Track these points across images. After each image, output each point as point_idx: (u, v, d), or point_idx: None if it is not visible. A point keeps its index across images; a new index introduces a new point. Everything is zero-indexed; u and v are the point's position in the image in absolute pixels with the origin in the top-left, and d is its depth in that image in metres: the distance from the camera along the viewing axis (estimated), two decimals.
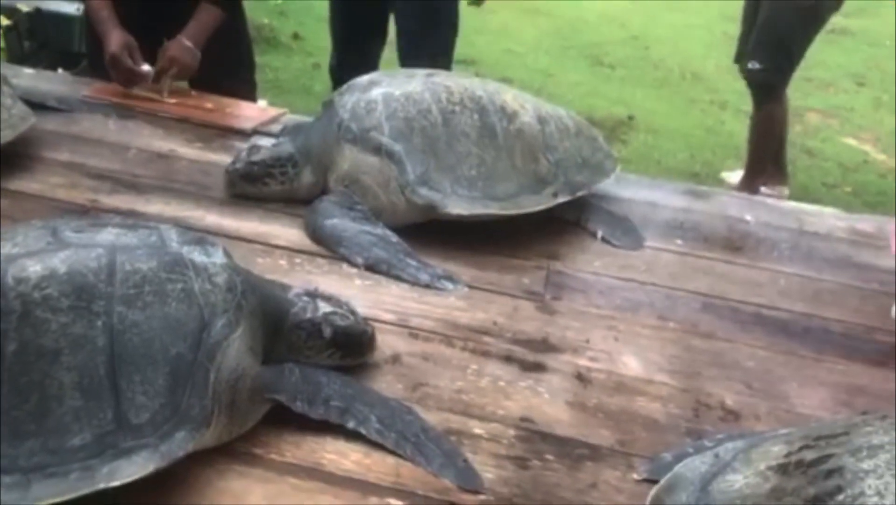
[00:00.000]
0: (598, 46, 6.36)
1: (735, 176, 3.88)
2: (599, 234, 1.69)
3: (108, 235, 1.01)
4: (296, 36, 5.46)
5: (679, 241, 1.72)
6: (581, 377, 1.24)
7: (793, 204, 1.98)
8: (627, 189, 1.90)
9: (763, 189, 3.67)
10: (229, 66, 2.36)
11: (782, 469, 0.84)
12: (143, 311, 0.95)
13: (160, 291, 0.97)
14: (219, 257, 1.06)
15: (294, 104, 4.22)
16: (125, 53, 2.04)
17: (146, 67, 2.07)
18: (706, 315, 1.47)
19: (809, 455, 0.83)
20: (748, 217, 1.87)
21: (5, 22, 3.84)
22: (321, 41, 5.34)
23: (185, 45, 2.14)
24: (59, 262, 0.94)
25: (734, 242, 1.75)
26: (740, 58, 3.67)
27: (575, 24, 6.91)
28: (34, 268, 0.93)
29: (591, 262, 1.60)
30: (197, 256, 1.03)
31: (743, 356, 1.36)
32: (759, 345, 1.39)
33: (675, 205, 1.89)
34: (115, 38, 2.06)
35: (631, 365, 1.29)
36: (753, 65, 3.51)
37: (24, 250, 0.96)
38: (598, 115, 4.72)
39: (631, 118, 4.90)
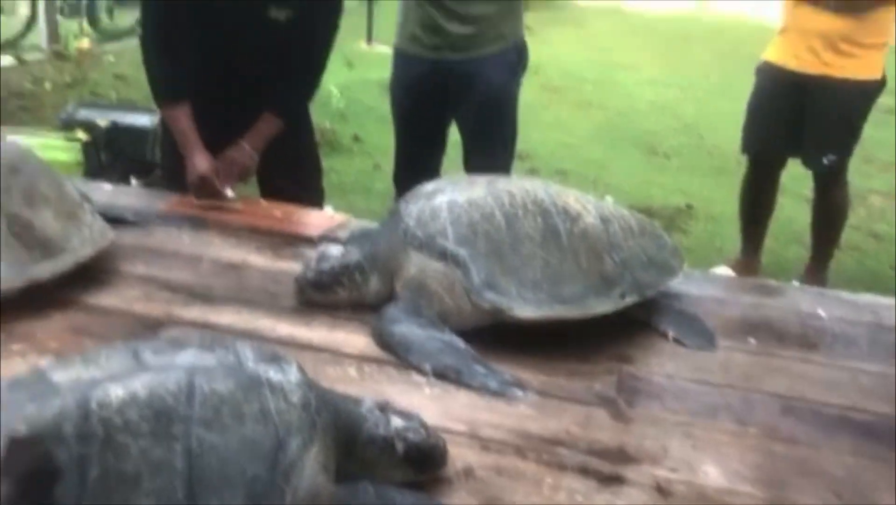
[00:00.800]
0: (652, 136, 6.41)
1: (721, 270, 3.70)
2: (670, 334, 1.66)
3: (187, 357, 1.02)
4: (356, 138, 5.63)
5: (752, 340, 1.68)
6: (661, 489, 1.20)
7: (867, 297, 1.92)
8: (695, 286, 1.88)
9: None
10: (298, 173, 2.44)
11: None
12: (221, 433, 0.95)
13: (237, 412, 0.97)
14: (293, 375, 1.07)
15: (356, 204, 4.32)
16: (214, 177, 2.14)
17: (230, 192, 2.16)
18: (786, 418, 1.42)
19: None
20: (821, 312, 1.82)
21: (84, 136, 4.04)
22: (380, 142, 5.51)
23: (245, 149, 2.24)
24: (140, 385, 0.96)
25: (809, 339, 1.71)
26: (775, 147, 3.62)
27: (627, 114, 6.99)
28: (116, 392, 0.95)
29: (664, 364, 1.57)
30: (272, 374, 1.04)
31: (829, 463, 1.30)
32: (845, 450, 1.33)
33: (744, 301, 1.85)
34: (203, 160, 2.16)
35: (712, 475, 1.25)
36: (826, 158, 3.46)
37: (106, 374, 0.98)
38: (655, 205, 4.72)
39: (689, 207, 4.88)
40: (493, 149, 2.85)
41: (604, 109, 7.09)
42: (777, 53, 3.55)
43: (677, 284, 1.78)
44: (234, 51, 2.22)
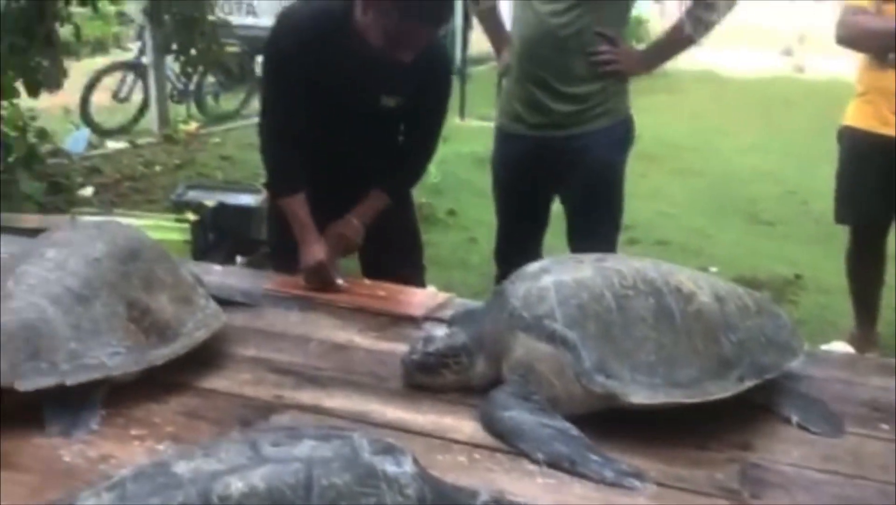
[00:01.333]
0: (754, 203, 6.25)
1: (837, 345, 3.51)
2: (794, 419, 1.57)
3: (304, 448, 1.02)
4: (451, 212, 5.69)
5: (884, 426, 1.58)
6: None
7: None
8: (817, 367, 1.78)
9: None
10: (401, 249, 2.46)
11: None
12: None
13: None
14: (408, 466, 1.05)
15: (453, 278, 4.34)
16: (331, 266, 2.19)
17: (341, 281, 2.20)
18: None
19: None
20: None
21: (193, 217, 4.21)
22: (476, 215, 5.55)
23: (353, 223, 2.28)
24: (260, 478, 0.96)
25: None
26: (872, 214, 3.46)
27: (727, 181, 6.85)
28: (236, 485, 0.95)
29: (789, 452, 1.48)
30: (388, 466, 1.03)
31: None
32: None
33: (873, 383, 1.75)
34: (320, 250, 2.20)
35: None
36: None
37: (226, 466, 0.98)
38: (761, 276, 4.57)
39: (798, 277, 4.70)
40: (599, 226, 2.80)
41: (703, 177, 6.97)
42: (859, 118, 3.44)
43: (798, 365, 1.69)
44: (344, 136, 2.29)
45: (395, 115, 2.30)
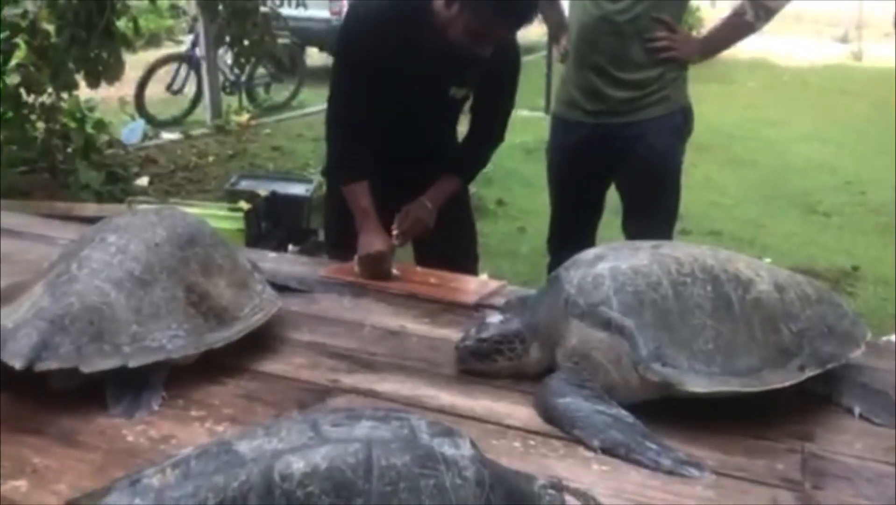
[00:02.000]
0: (810, 194, 6.12)
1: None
2: (857, 410, 1.54)
3: (364, 429, 1.03)
4: (500, 202, 5.67)
5: None
6: None
7: None
8: (880, 358, 1.74)
9: None
10: (455, 240, 2.47)
11: None
12: None
13: (414, 487, 0.97)
14: (467, 449, 1.05)
15: (502, 267, 4.33)
16: (390, 256, 2.21)
17: (395, 271, 2.21)
18: None
19: None
20: None
21: (246, 206, 4.27)
22: (525, 205, 5.54)
23: (427, 207, 2.31)
24: (321, 458, 0.97)
25: None
26: None
27: (781, 172, 6.72)
28: (297, 464, 0.96)
29: (852, 443, 1.45)
30: (447, 448, 1.03)
31: None
32: None
33: None
34: (380, 239, 2.22)
35: None
36: None
37: (287, 446, 0.99)
38: (818, 267, 4.48)
39: (856, 269, 4.60)
40: (654, 215, 2.77)
41: (756, 167, 6.85)
42: None
43: (860, 355, 1.65)
44: (410, 126, 2.30)
45: (461, 104, 2.33)
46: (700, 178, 6.18)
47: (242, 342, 1.68)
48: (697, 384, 1.46)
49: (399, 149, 2.33)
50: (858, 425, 1.51)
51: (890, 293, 4.23)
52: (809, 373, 1.53)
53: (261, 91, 8.90)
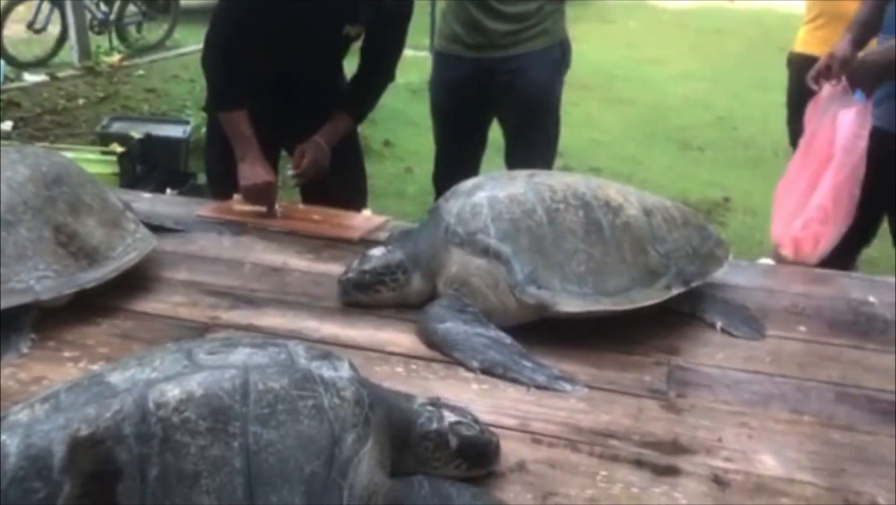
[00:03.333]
0: (685, 130, 6.35)
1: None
2: (718, 325, 1.64)
3: (240, 355, 1.03)
4: (387, 143, 5.64)
5: (802, 329, 1.66)
6: (718, 480, 1.19)
7: None
8: (741, 276, 1.85)
9: None
10: (346, 177, 2.44)
11: None
12: (277, 429, 0.95)
13: (292, 408, 0.97)
14: (345, 371, 1.06)
15: (389, 208, 4.31)
16: (275, 187, 2.18)
17: (278, 208, 2.19)
18: (842, 406, 1.39)
19: None
20: (871, 298, 1.79)
21: (119, 149, 4.09)
22: (411, 145, 5.52)
23: (323, 147, 2.28)
24: (196, 384, 0.96)
25: (860, 327, 1.68)
26: None
27: (658, 109, 6.93)
28: (173, 392, 0.95)
29: (713, 354, 1.55)
30: (325, 371, 1.04)
31: (888, 450, 1.27)
32: None
33: (793, 290, 1.83)
34: (267, 169, 2.18)
35: (769, 464, 1.22)
36: None
37: (161, 375, 0.98)
38: (692, 199, 4.67)
39: (727, 200, 4.83)
40: (535, 147, 2.83)
41: (634, 105, 7.04)
42: (810, 43, 3.48)
43: (723, 274, 1.75)
44: (300, 61, 2.25)
45: (351, 42, 2.31)
46: (581, 116, 6.32)
47: (116, 282, 1.64)
48: (571, 305, 1.52)
49: (285, 84, 2.28)
50: (720, 338, 1.61)
51: (758, 222, 4.46)
52: (675, 291, 1.61)
53: (132, 30, 8.46)
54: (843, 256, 2.46)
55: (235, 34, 2.16)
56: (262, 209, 2.17)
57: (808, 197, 2.41)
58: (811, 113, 2.50)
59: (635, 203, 1.68)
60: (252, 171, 2.16)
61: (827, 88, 2.45)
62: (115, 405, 0.94)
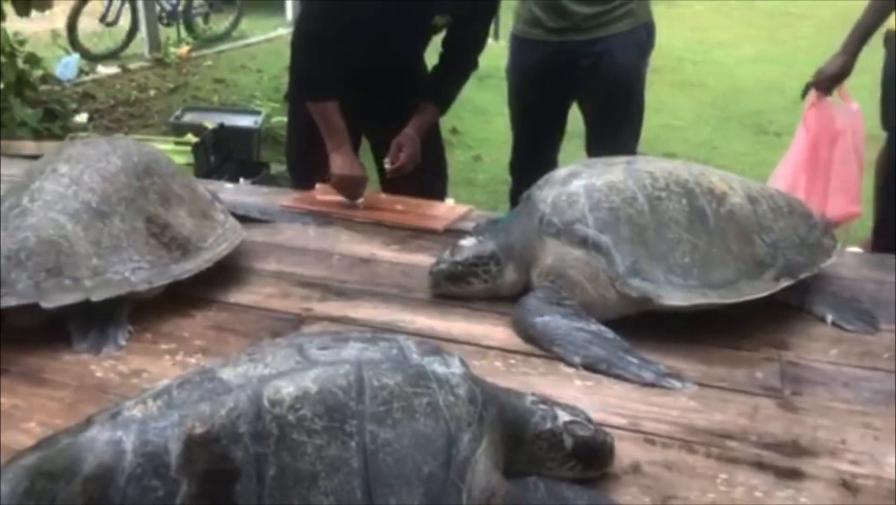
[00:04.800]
0: (760, 115, 6.16)
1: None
2: (829, 318, 1.56)
3: (352, 351, 1.00)
4: (454, 130, 5.58)
5: None
6: (847, 484, 1.12)
7: None
8: (849, 267, 1.76)
9: None
10: (428, 164, 2.41)
11: None
12: (394, 428, 0.92)
13: (408, 406, 0.94)
14: (457, 367, 1.03)
15: (460, 196, 4.27)
16: (367, 181, 2.18)
17: (361, 199, 2.18)
18: None
19: None
20: None
21: (194, 139, 4.13)
22: (479, 133, 5.47)
23: (417, 140, 2.28)
24: (310, 381, 0.93)
25: None
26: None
27: (732, 93, 6.74)
28: (287, 389, 0.92)
29: (826, 350, 1.47)
30: (437, 366, 1.00)
31: None
32: None
33: None
34: (359, 163, 2.20)
35: None
36: None
37: (275, 371, 0.96)
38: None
39: None
40: (619, 134, 2.73)
41: (706, 89, 6.86)
42: None
43: (830, 265, 1.67)
44: (387, 50, 2.22)
45: (436, 32, 2.29)
46: (652, 100, 6.08)
47: (208, 274, 1.63)
48: (675, 297, 1.46)
49: (371, 73, 2.26)
50: (831, 332, 1.53)
51: None
52: (784, 283, 1.54)
53: (199, 21, 8.56)
54: None
55: (328, 22, 2.13)
56: (345, 200, 2.15)
57: None
58: None
59: (739, 190, 1.61)
60: (346, 162, 2.15)
61: None
62: (229, 402, 0.92)
